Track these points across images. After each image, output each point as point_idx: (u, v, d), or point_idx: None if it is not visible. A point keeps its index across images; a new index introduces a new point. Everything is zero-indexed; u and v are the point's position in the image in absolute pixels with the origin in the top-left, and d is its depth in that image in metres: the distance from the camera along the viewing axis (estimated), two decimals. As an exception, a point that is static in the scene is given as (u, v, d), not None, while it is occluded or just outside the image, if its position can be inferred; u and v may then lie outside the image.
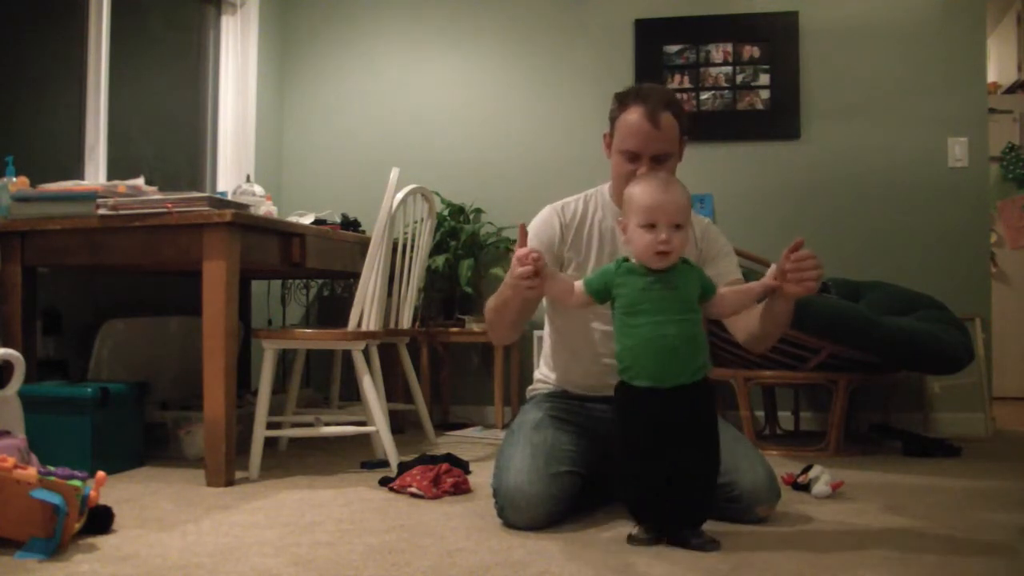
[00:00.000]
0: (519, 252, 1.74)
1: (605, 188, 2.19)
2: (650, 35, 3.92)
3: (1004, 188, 5.03)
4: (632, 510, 1.80)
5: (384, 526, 1.93)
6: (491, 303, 2.04)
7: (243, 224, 2.44)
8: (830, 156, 3.79)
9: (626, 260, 1.78)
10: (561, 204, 2.18)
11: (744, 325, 1.99)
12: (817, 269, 1.70)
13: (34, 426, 2.23)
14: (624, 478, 1.78)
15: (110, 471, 2.19)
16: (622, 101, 2.05)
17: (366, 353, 2.71)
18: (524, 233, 1.83)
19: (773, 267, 1.75)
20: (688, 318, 1.73)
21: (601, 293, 1.79)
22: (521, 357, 3.84)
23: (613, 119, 2.06)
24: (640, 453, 1.74)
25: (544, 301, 2.22)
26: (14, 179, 2.59)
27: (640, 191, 1.75)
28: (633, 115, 1.99)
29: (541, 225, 2.16)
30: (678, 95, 3.81)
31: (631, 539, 1.76)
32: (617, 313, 1.77)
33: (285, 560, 1.64)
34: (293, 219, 3.12)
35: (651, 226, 1.70)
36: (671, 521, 1.76)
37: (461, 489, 2.30)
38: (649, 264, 1.73)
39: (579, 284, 1.82)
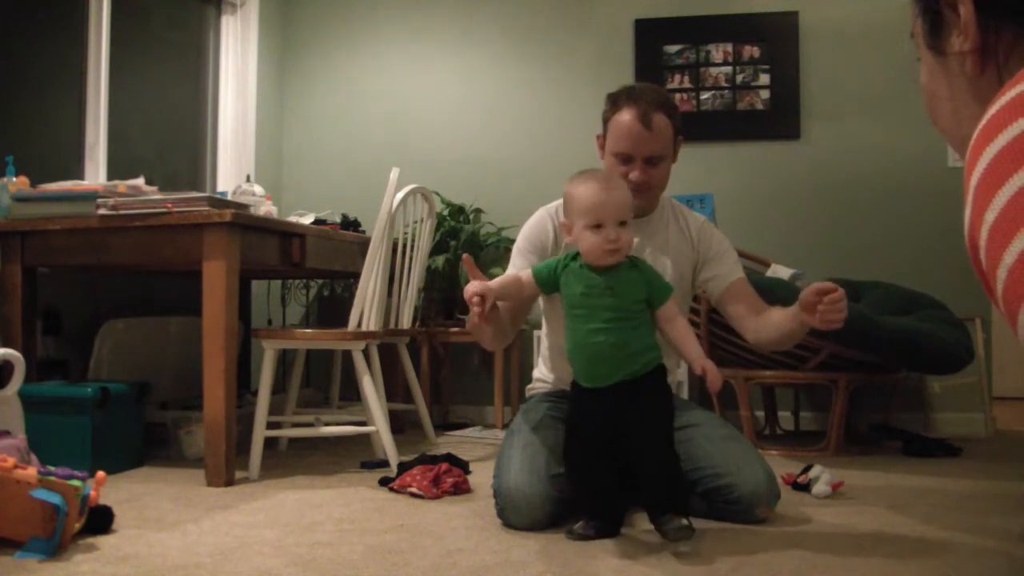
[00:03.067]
0: (467, 290, 1.74)
1: None
2: (650, 35, 3.92)
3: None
4: (581, 504, 1.85)
5: (384, 526, 1.93)
6: (469, 320, 2.03)
7: (243, 224, 2.44)
8: (830, 156, 3.79)
9: (575, 257, 1.79)
10: (555, 206, 2.16)
11: (754, 328, 2.00)
12: (844, 312, 1.71)
13: (34, 426, 2.23)
14: (571, 472, 1.85)
15: (110, 471, 2.19)
16: (614, 102, 2.03)
17: (366, 353, 2.71)
18: (471, 266, 1.82)
19: (795, 306, 1.78)
20: (624, 325, 1.72)
21: (547, 284, 1.82)
22: (521, 357, 3.84)
23: (606, 120, 2.05)
24: (584, 448, 1.80)
25: (540, 302, 2.22)
26: (14, 179, 2.59)
27: (583, 191, 1.74)
28: (625, 116, 1.97)
29: (534, 228, 2.14)
30: (677, 95, 3.84)
31: (569, 533, 1.81)
32: (565, 312, 1.81)
33: (285, 560, 1.64)
34: (293, 219, 3.12)
35: (598, 226, 1.70)
36: (648, 511, 1.76)
37: (461, 489, 2.30)
38: (599, 262, 1.73)
39: (527, 273, 1.84)
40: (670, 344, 1.83)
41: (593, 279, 1.74)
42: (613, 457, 1.80)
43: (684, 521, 1.68)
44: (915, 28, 0.71)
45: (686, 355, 1.77)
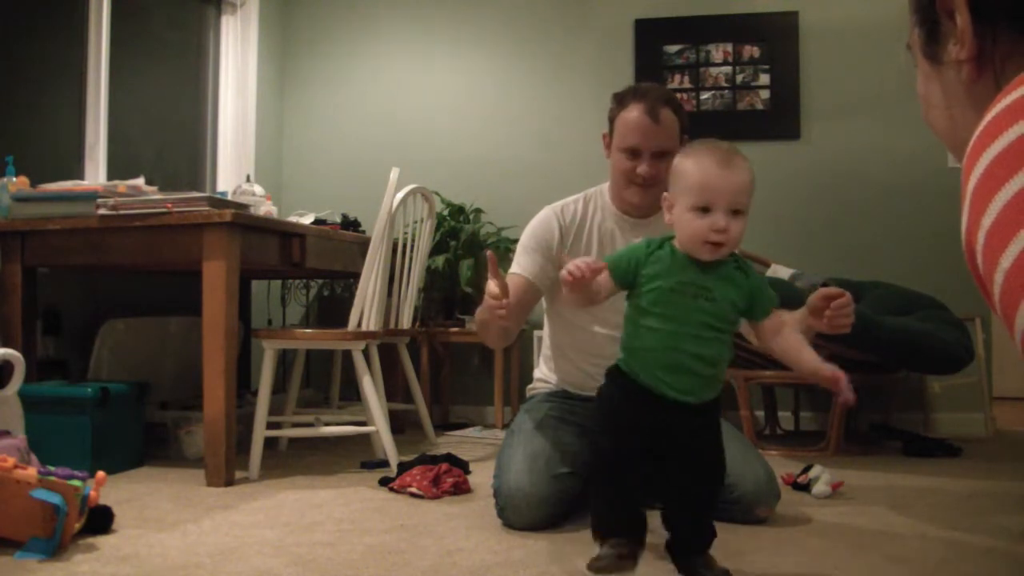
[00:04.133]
0: (490, 288, 1.66)
1: (605, 188, 2.17)
2: (650, 35, 3.92)
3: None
4: (597, 524, 1.59)
5: (384, 526, 1.93)
6: (477, 316, 1.99)
7: (243, 224, 2.44)
8: (830, 156, 3.79)
9: (662, 244, 1.49)
10: (560, 205, 2.17)
11: (760, 334, 1.99)
12: (851, 317, 1.70)
13: (34, 426, 2.23)
14: (595, 482, 1.59)
15: (110, 471, 2.19)
16: (621, 100, 2.05)
17: (366, 353, 2.71)
18: (495, 264, 1.67)
19: (804, 310, 1.71)
20: (716, 337, 1.46)
21: (627, 277, 1.48)
22: (521, 357, 3.84)
23: (612, 118, 2.06)
24: (622, 456, 1.51)
25: (543, 302, 2.22)
26: (14, 179, 2.59)
27: (694, 164, 1.43)
28: (633, 112, 2.00)
29: (539, 227, 2.14)
30: (678, 95, 3.84)
31: (592, 565, 1.50)
32: (633, 304, 1.50)
33: (285, 560, 1.64)
34: (293, 219, 3.12)
35: (704, 209, 1.41)
36: (676, 547, 1.59)
37: (461, 489, 2.30)
38: (697, 254, 1.44)
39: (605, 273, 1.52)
40: (781, 357, 1.54)
41: (691, 274, 1.44)
42: (643, 468, 1.54)
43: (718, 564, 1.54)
44: (912, 38, 0.72)
45: (805, 366, 1.47)
